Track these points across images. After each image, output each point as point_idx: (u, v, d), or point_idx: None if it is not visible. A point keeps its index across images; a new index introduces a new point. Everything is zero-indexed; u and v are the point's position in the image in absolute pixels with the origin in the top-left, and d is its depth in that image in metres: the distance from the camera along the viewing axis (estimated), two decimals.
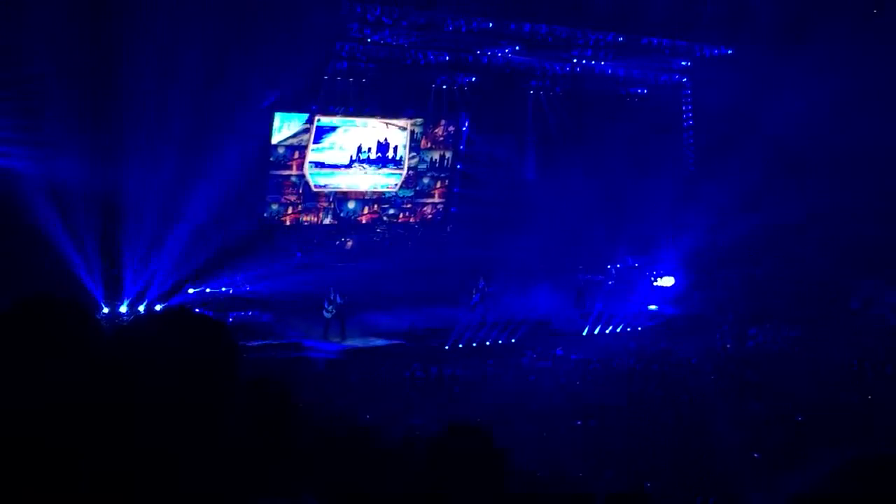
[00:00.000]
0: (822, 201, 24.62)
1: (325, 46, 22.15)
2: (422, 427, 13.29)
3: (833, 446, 14.22)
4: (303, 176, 24.71)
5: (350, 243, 25.32)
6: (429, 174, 27.30)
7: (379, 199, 26.51)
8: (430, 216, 27.66)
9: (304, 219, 25.22)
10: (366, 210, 26.34)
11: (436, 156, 27.27)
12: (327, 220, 25.55)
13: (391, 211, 26.82)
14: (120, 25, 17.76)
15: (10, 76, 17.54)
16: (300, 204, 25.00)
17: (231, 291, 22.01)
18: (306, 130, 24.43)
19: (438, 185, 27.60)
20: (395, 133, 26.09)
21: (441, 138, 27.16)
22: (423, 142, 26.80)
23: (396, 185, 26.58)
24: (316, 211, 25.38)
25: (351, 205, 26.02)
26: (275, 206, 24.61)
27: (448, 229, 27.63)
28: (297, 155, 24.49)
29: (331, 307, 21.14)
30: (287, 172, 24.49)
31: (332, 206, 25.56)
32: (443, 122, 27.00)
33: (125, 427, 2.43)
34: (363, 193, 26.10)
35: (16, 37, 17.38)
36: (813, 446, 14.24)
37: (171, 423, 2.45)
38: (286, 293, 21.95)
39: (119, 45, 17.85)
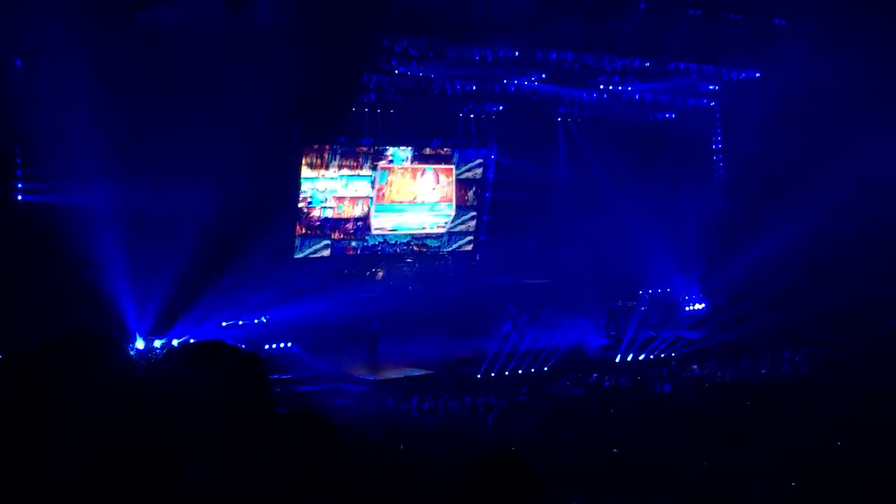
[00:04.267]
0: (854, 220, 24.44)
1: (353, 78, 22.30)
2: (457, 455, 13.25)
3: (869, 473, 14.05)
4: (334, 208, 24.75)
5: (381, 273, 25.35)
6: (466, 208, 27.36)
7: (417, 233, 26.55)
8: (461, 247, 27.65)
9: (336, 251, 25.23)
10: (397, 240, 26.35)
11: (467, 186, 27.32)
12: (358, 252, 25.56)
13: (429, 243, 26.81)
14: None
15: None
16: (331, 236, 25.02)
17: (264, 322, 22.07)
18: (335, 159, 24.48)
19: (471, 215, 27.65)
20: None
21: (470, 168, 27.20)
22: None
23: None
24: (347, 242, 25.38)
25: (382, 234, 26.05)
26: (306, 239, 24.67)
27: (477, 257, 27.62)
28: (328, 191, 24.52)
29: (371, 334, 21.47)
30: (318, 205, 24.56)
31: (364, 236, 25.59)
32: (471, 151, 27.06)
33: (158, 460, 2.44)
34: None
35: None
36: (851, 475, 14.06)
37: (203, 455, 2.47)
38: (320, 324, 22.01)
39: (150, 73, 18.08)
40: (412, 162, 25.95)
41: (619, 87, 26.04)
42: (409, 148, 25.70)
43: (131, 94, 18.29)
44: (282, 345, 21.40)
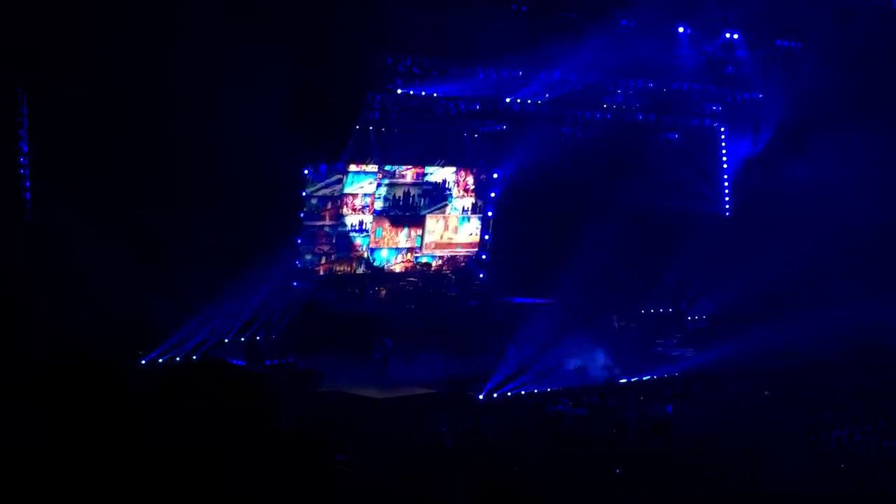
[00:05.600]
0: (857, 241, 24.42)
1: (356, 97, 22.36)
2: (460, 476, 13.20)
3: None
4: (336, 226, 24.85)
5: (384, 292, 25.35)
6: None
7: (412, 247, 26.58)
8: (462, 263, 27.65)
9: (338, 268, 25.30)
10: (399, 258, 26.39)
11: (467, 203, 27.36)
12: (360, 270, 25.62)
13: (424, 260, 26.86)
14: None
15: None
16: (333, 254, 25.10)
17: (262, 338, 22.04)
18: (339, 181, 24.63)
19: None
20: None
21: (473, 186, 27.25)
22: (455, 190, 26.99)
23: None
24: (349, 260, 25.45)
25: (384, 253, 26.11)
26: (308, 256, 24.71)
27: (480, 276, 27.60)
28: (329, 205, 24.65)
29: (381, 350, 21.56)
30: (320, 223, 24.62)
31: (366, 255, 25.65)
32: (474, 169, 27.12)
33: (160, 477, 2.43)
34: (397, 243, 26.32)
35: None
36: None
37: (205, 472, 2.45)
38: (321, 341, 21.99)
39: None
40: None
41: (624, 107, 26.09)
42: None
43: (136, 114, 18.34)
44: (287, 360, 21.39)
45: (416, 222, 26.51)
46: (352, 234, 25.23)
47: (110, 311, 18.05)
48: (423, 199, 26.39)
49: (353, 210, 25.11)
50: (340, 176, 24.66)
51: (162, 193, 19.26)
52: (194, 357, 19.83)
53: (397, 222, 26.10)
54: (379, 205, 25.56)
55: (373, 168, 25.20)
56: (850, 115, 23.95)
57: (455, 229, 27.26)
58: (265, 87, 19.65)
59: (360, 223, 25.35)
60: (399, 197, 25.92)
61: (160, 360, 19.63)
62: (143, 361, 19.34)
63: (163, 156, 19.09)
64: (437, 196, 26.73)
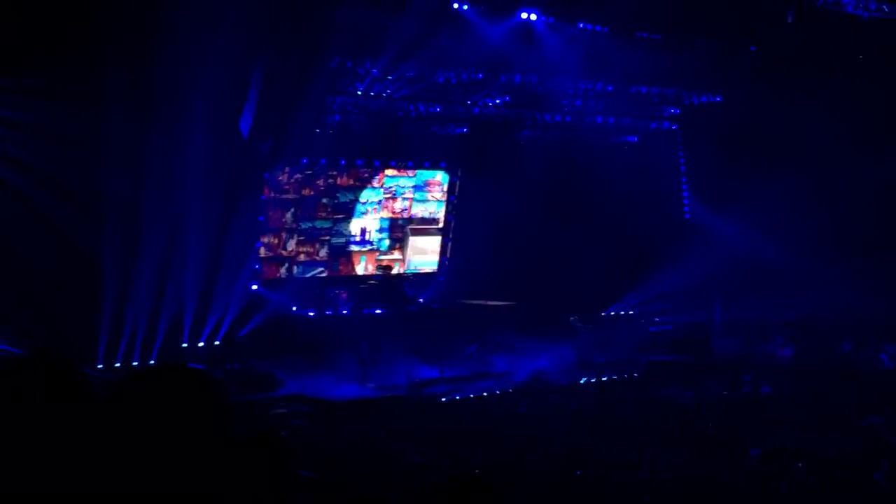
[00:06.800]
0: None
1: (316, 101, 22.23)
2: (421, 479, 13.17)
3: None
4: (294, 229, 24.72)
5: (344, 294, 25.31)
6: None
7: (376, 251, 26.55)
8: (425, 268, 27.65)
9: (298, 271, 25.18)
10: (362, 263, 26.31)
11: (430, 208, 27.37)
12: (322, 273, 25.51)
13: (385, 262, 26.81)
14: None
15: None
16: (293, 256, 24.96)
17: (221, 343, 21.89)
18: (298, 185, 24.52)
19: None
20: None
21: (433, 190, 27.24)
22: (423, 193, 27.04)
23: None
24: (309, 263, 25.33)
25: (346, 258, 26.02)
26: (267, 259, 24.58)
27: (441, 279, 27.61)
28: (289, 209, 24.53)
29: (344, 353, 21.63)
30: (280, 226, 24.49)
31: (325, 257, 25.56)
32: (435, 173, 27.12)
33: (113, 483, 2.38)
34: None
35: None
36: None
37: (161, 478, 2.40)
38: (282, 344, 21.92)
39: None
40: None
41: (582, 110, 26.21)
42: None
43: (101, 115, 18.10)
44: (246, 363, 21.27)
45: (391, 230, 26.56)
46: (311, 238, 25.12)
47: (62, 317, 17.83)
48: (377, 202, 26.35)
49: (312, 213, 24.99)
50: (300, 180, 24.55)
51: (119, 198, 19.02)
52: (151, 361, 19.65)
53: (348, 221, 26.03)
54: (340, 207, 25.47)
55: (332, 172, 25.13)
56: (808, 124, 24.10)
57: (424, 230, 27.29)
58: (223, 90, 19.48)
59: (320, 227, 25.24)
60: (358, 199, 25.85)
61: (116, 365, 19.41)
62: (99, 366, 19.11)
63: (123, 160, 18.82)
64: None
